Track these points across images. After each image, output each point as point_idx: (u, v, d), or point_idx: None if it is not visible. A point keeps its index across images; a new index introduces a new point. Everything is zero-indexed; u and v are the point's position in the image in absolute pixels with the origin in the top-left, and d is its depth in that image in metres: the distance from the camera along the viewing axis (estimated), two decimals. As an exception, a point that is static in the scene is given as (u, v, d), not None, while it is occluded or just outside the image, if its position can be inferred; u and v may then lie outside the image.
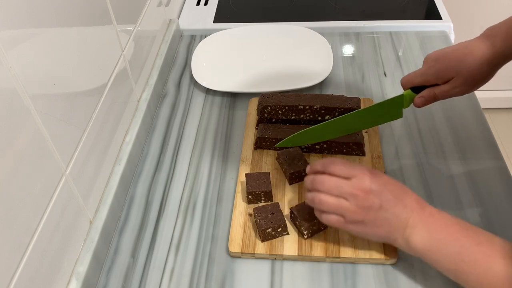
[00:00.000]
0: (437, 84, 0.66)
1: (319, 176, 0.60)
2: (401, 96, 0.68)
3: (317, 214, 0.61)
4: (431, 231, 0.56)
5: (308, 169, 0.63)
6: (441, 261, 0.55)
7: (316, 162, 0.62)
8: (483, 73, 0.64)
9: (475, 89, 0.67)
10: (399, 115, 0.69)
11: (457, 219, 0.57)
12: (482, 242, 0.53)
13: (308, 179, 0.62)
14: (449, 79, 0.65)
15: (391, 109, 0.68)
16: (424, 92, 0.67)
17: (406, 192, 0.59)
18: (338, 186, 0.58)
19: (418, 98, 0.67)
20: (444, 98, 0.67)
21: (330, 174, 0.60)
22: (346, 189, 0.58)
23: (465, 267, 0.53)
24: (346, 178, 0.59)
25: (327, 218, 0.59)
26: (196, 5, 1.18)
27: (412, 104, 0.69)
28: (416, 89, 0.67)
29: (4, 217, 0.46)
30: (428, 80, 0.66)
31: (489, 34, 0.65)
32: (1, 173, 0.46)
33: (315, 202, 0.60)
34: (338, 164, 0.60)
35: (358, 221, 0.58)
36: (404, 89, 0.69)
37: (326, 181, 0.59)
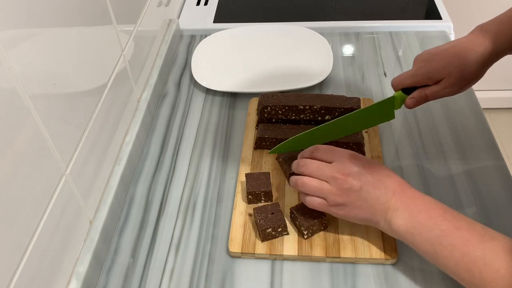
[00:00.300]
0: (427, 85, 0.66)
1: (303, 160, 0.63)
2: (392, 97, 0.67)
3: (302, 198, 0.63)
4: (412, 214, 0.56)
5: (299, 156, 0.66)
6: (422, 244, 0.55)
7: (305, 150, 0.65)
8: (474, 72, 0.64)
9: (466, 89, 0.67)
10: (391, 116, 0.69)
11: (439, 203, 0.57)
12: (462, 227, 0.53)
13: (294, 164, 0.65)
14: (440, 80, 0.65)
15: (382, 110, 0.68)
16: (415, 93, 0.67)
17: (387, 175, 0.59)
18: (320, 169, 0.61)
19: (409, 99, 0.67)
20: (435, 99, 0.67)
21: (315, 159, 0.62)
22: (327, 172, 0.60)
23: (444, 251, 0.53)
24: (329, 162, 0.61)
25: (310, 201, 0.61)
26: (196, 5, 1.18)
27: (403, 105, 0.69)
28: (407, 90, 0.67)
29: (4, 217, 0.46)
30: (418, 81, 0.66)
31: (479, 32, 0.65)
32: (1, 173, 0.46)
33: (298, 184, 0.62)
34: (322, 149, 0.63)
35: (339, 203, 0.59)
36: (395, 90, 0.69)
37: (309, 164, 0.62)
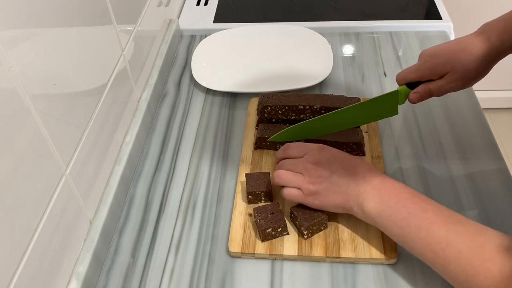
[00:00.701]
0: (432, 80, 0.66)
1: (281, 161, 0.67)
2: (396, 92, 0.67)
3: (281, 193, 0.65)
4: (382, 197, 0.58)
5: (275, 158, 0.70)
6: (391, 226, 0.57)
7: (279, 150, 0.69)
8: (478, 68, 0.64)
9: (471, 85, 0.67)
10: (394, 111, 0.69)
11: (409, 188, 0.59)
12: (428, 210, 0.56)
13: (276, 167, 0.68)
14: (444, 74, 0.65)
15: (386, 105, 0.68)
16: (419, 88, 0.67)
17: (356, 163, 0.63)
18: (293, 163, 0.65)
19: (413, 93, 0.68)
20: (440, 94, 0.67)
21: (288, 156, 0.67)
22: (300, 165, 0.64)
23: (411, 232, 0.55)
24: (302, 156, 0.65)
25: (288, 193, 0.64)
26: (196, 5, 1.18)
27: (407, 101, 0.69)
28: (412, 85, 0.67)
29: (4, 217, 0.46)
30: (423, 75, 0.67)
31: (484, 29, 0.65)
32: (1, 173, 0.46)
33: (275, 177, 0.66)
34: (292, 147, 0.67)
35: (313, 191, 0.62)
36: (399, 85, 0.69)
37: (285, 163, 0.66)
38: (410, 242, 0.56)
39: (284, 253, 0.63)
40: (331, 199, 0.62)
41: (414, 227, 0.55)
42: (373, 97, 0.68)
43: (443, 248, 0.52)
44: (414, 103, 0.68)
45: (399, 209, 0.57)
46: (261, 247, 0.64)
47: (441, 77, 0.66)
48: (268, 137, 0.76)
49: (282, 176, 0.65)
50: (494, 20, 0.66)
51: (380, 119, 0.72)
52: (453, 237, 0.52)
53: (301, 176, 0.63)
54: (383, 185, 0.59)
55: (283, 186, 0.65)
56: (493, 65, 0.65)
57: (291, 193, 0.64)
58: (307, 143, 0.67)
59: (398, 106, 0.70)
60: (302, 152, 0.65)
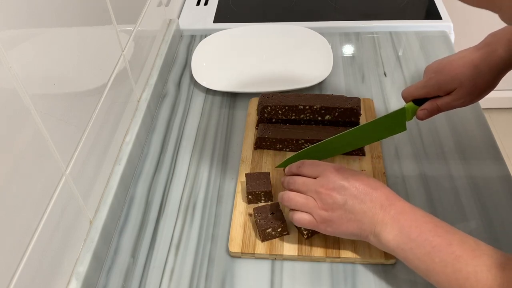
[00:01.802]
0: (439, 96, 0.65)
1: (292, 177, 0.63)
2: (403, 109, 0.66)
3: (290, 216, 0.61)
4: (402, 229, 0.55)
5: (286, 170, 0.66)
6: (413, 260, 0.54)
7: (292, 164, 0.65)
8: (487, 82, 0.63)
9: (480, 99, 0.65)
10: (402, 128, 0.67)
11: (429, 216, 0.56)
12: (453, 243, 0.52)
13: (285, 181, 0.64)
14: (451, 90, 0.63)
15: (393, 122, 0.67)
16: (426, 105, 0.65)
17: (374, 188, 0.58)
18: (305, 184, 0.60)
19: (421, 111, 0.66)
20: (448, 110, 0.66)
21: (302, 174, 0.62)
22: (311, 187, 0.60)
23: (436, 267, 0.52)
24: (315, 177, 0.61)
25: (300, 219, 0.60)
26: (196, 5, 1.18)
27: (415, 117, 0.67)
28: (418, 101, 0.66)
29: (4, 217, 0.46)
30: (429, 92, 0.65)
31: (490, 41, 0.63)
32: (1, 173, 0.46)
33: (284, 199, 0.62)
34: (307, 164, 0.63)
35: (326, 219, 0.58)
36: (406, 101, 0.67)
37: (296, 181, 0.62)
38: (435, 277, 0.52)
39: (284, 253, 0.63)
40: (345, 227, 0.58)
41: (439, 262, 0.51)
42: (380, 116, 0.67)
43: (472, 284, 0.49)
44: (422, 120, 0.66)
45: (421, 243, 0.53)
46: (261, 247, 0.64)
47: (448, 93, 0.64)
48: (268, 137, 0.76)
49: (293, 199, 0.60)
50: (499, 30, 0.63)
51: (389, 136, 0.70)
52: (481, 273, 0.49)
53: (313, 200, 0.59)
54: (402, 215, 0.55)
55: (292, 209, 0.62)
56: (501, 77, 0.63)
57: (302, 219, 0.60)
58: (322, 162, 0.63)
59: (406, 122, 0.68)
60: (315, 172, 0.61)
